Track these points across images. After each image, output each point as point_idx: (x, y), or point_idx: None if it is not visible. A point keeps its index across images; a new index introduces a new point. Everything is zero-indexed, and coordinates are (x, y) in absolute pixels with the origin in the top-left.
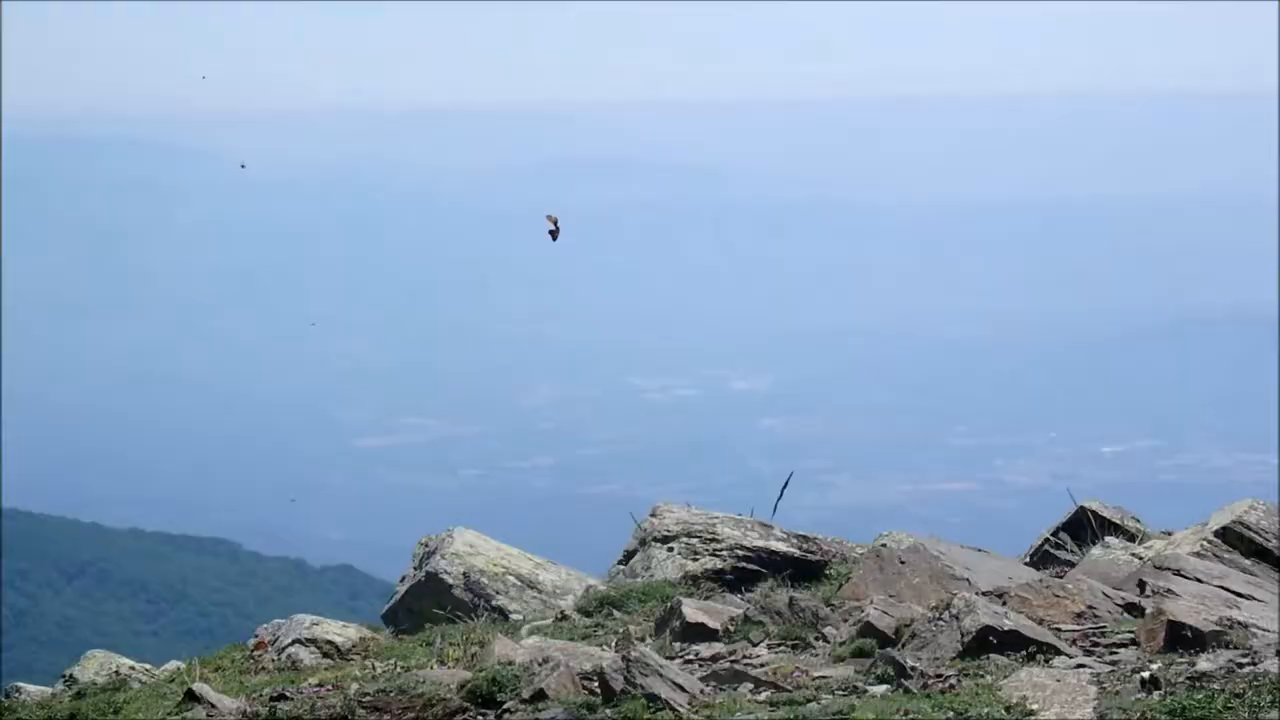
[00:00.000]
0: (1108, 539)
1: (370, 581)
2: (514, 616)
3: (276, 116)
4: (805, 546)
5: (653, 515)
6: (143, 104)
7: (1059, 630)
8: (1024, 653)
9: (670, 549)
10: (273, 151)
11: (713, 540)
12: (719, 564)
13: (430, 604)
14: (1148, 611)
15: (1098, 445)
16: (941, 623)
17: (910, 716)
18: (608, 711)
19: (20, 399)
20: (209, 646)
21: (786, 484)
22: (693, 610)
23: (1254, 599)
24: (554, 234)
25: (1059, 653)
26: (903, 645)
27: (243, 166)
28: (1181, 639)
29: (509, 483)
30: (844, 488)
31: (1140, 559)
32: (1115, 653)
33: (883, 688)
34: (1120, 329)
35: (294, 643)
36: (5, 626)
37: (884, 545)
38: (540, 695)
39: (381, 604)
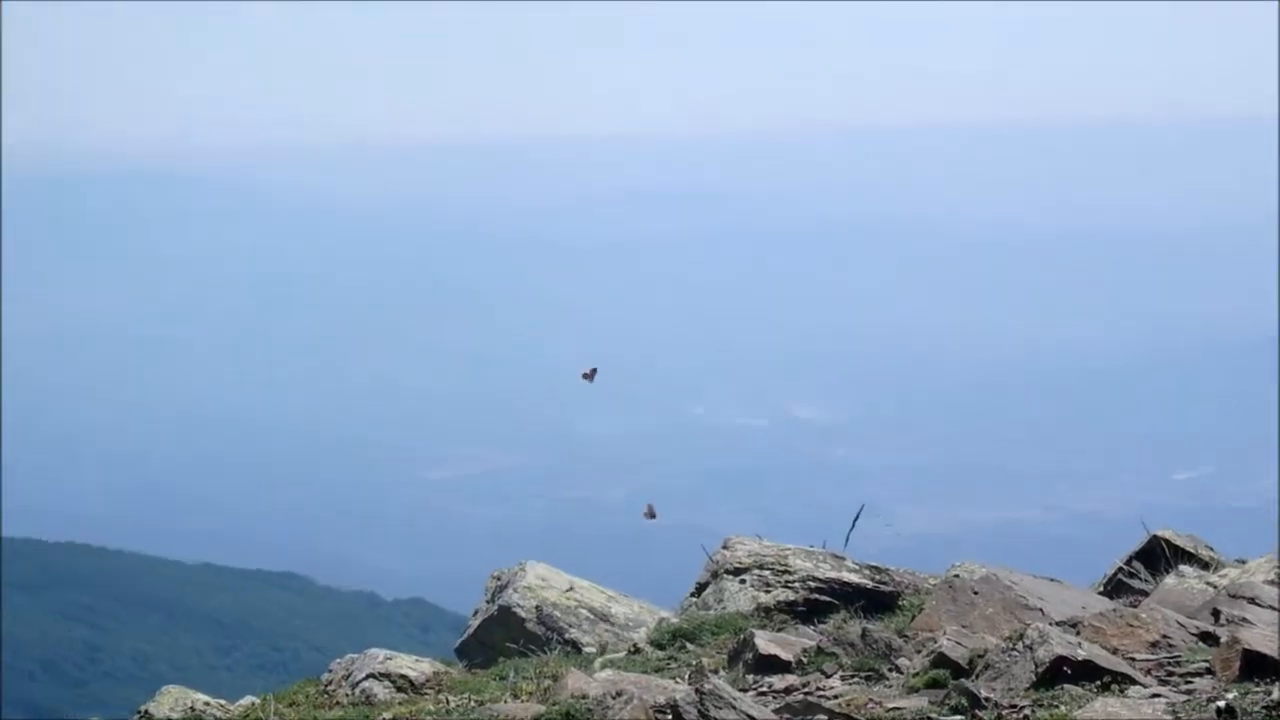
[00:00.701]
0: (1181, 567)
1: (441, 614)
2: (587, 649)
3: (326, 150)
4: (878, 578)
5: (724, 547)
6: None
7: (1133, 660)
8: (1098, 683)
9: (742, 581)
10: (325, 185)
11: (785, 572)
12: (791, 596)
13: (503, 637)
14: (1222, 640)
15: (1169, 472)
16: (1015, 653)
17: None
18: None
19: (94, 436)
20: (282, 680)
21: (858, 515)
22: (765, 642)
23: None
24: (589, 377)
25: (1133, 682)
26: (976, 676)
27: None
28: (1257, 667)
29: (577, 513)
30: (915, 517)
31: (1214, 587)
32: (1190, 682)
33: (956, 718)
34: (1192, 353)
35: (368, 677)
36: (80, 661)
37: (957, 576)
38: None
39: (453, 636)
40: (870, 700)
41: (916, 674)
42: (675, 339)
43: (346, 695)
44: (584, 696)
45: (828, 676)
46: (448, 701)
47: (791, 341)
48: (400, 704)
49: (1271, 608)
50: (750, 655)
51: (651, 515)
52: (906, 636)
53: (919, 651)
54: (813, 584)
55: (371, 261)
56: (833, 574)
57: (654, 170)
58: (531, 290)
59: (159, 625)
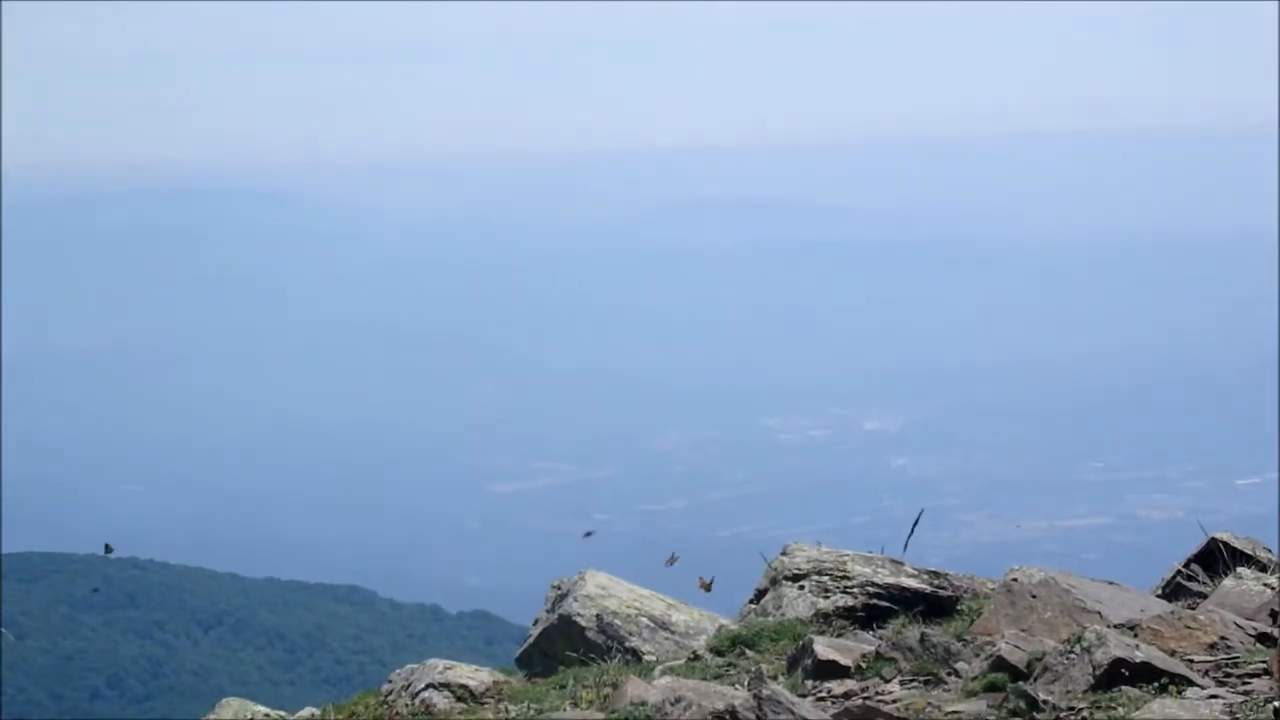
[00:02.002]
0: (1240, 570)
1: (507, 627)
2: (647, 658)
3: (397, 166)
4: (936, 582)
5: (783, 554)
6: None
7: (1191, 662)
8: (1156, 684)
9: (801, 587)
10: (396, 201)
11: (843, 578)
12: (850, 601)
13: (564, 646)
14: None
15: (1232, 478)
16: (1073, 656)
17: None
18: None
19: (156, 451)
20: (346, 695)
21: (917, 521)
22: (824, 648)
23: None
24: (671, 561)
25: (1191, 684)
26: (1035, 679)
27: None
28: None
29: (642, 526)
30: (977, 525)
31: (1272, 589)
32: (1248, 683)
33: None
34: (1253, 360)
35: (427, 687)
36: (144, 677)
37: (1015, 580)
38: None
39: (518, 649)
40: (929, 704)
41: (975, 678)
42: (742, 351)
43: (406, 706)
44: (643, 703)
45: (886, 681)
46: (507, 710)
47: (857, 352)
48: (460, 714)
49: None
50: (809, 661)
51: (708, 588)
52: (965, 641)
53: (977, 655)
54: (871, 589)
55: (437, 276)
56: (891, 579)
57: (718, 181)
58: (599, 303)
59: (222, 640)
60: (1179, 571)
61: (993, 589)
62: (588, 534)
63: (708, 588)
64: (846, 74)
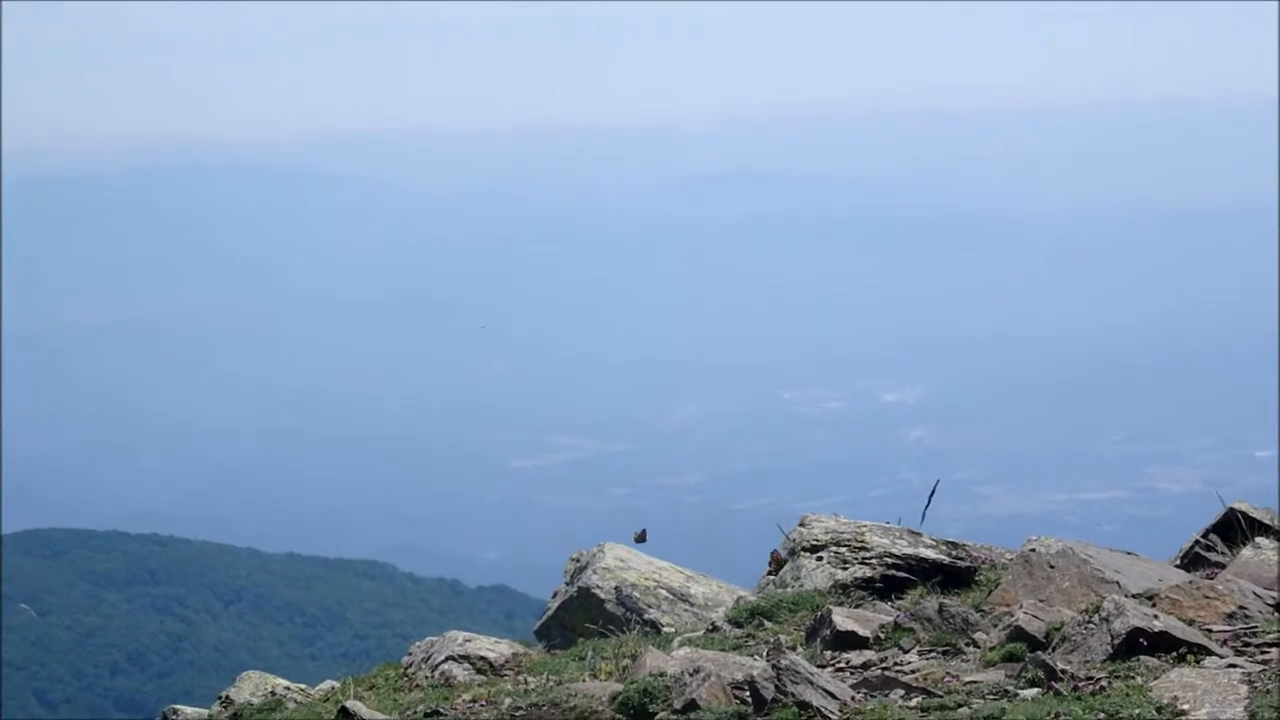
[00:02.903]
0: (1258, 540)
1: (526, 601)
2: (666, 629)
3: (410, 139)
4: (954, 553)
5: (801, 525)
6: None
7: (1209, 631)
8: (1174, 654)
9: (819, 558)
10: (412, 176)
11: (861, 549)
12: (868, 572)
13: (583, 619)
14: None
15: (1250, 450)
16: (1091, 625)
17: (1061, 719)
18: None
19: (176, 427)
20: (366, 669)
21: (934, 492)
22: (843, 619)
23: None
24: (640, 537)
25: (1209, 653)
26: (1053, 649)
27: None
28: None
29: (661, 500)
30: (996, 498)
31: None
32: (1266, 652)
33: (1033, 691)
34: (1270, 332)
35: (447, 659)
36: (165, 652)
37: (1033, 550)
38: (692, 706)
39: (537, 622)
40: (947, 674)
41: (993, 648)
42: (761, 324)
43: (426, 678)
44: (661, 674)
45: (905, 652)
46: (526, 682)
47: (875, 325)
48: (479, 686)
49: None
50: (828, 632)
51: (642, 539)
52: (983, 611)
53: (995, 626)
54: (889, 560)
55: (452, 252)
56: (909, 550)
57: (736, 155)
58: (616, 277)
59: (243, 616)
60: (1197, 541)
61: (1010, 559)
62: (641, 537)
63: (641, 538)
64: (862, 46)
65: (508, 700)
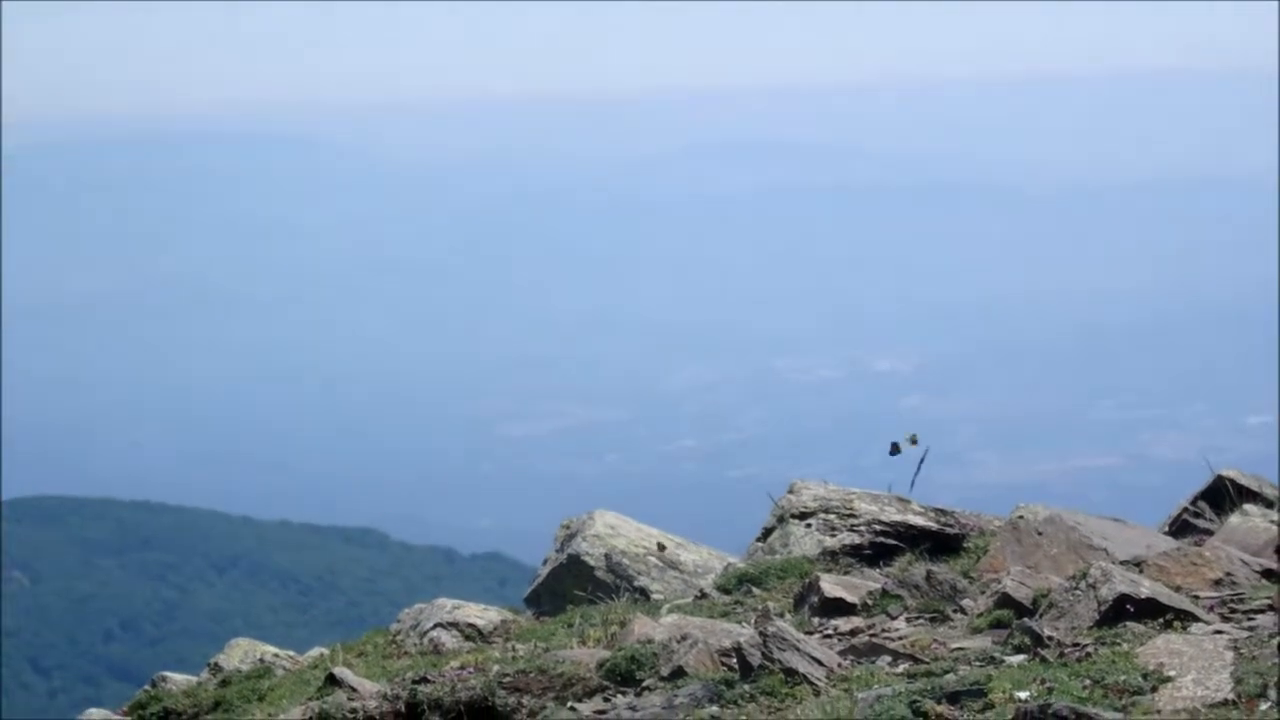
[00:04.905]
0: (1246, 506)
1: (519, 568)
2: (655, 596)
3: (407, 105)
4: (943, 520)
5: (790, 492)
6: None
7: (1196, 597)
8: (1161, 620)
9: (808, 525)
10: (405, 142)
11: (850, 516)
12: (857, 539)
13: (572, 586)
14: None
15: (1244, 417)
16: (1078, 592)
17: (1047, 685)
18: (745, 686)
19: (169, 394)
20: (357, 636)
21: (923, 459)
22: (831, 585)
23: None
24: (895, 449)
25: (1196, 619)
26: (1040, 615)
27: None
28: None
29: (654, 467)
30: (989, 465)
31: (1279, 525)
32: (1253, 619)
33: (1020, 657)
34: (1264, 299)
35: (436, 626)
36: (157, 619)
37: (1021, 517)
38: (679, 673)
39: (526, 590)
40: (935, 641)
41: (981, 615)
42: (754, 293)
43: (415, 645)
44: (649, 641)
45: (893, 619)
46: (515, 649)
47: (869, 293)
48: (468, 653)
49: None
50: (816, 598)
51: (912, 443)
52: (971, 578)
53: (983, 593)
54: (878, 527)
55: (446, 217)
56: (898, 517)
57: (730, 123)
58: (610, 244)
59: (236, 583)
60: (1185, 509)
61: (999, 526)
62: (905, 447)
63: (905, 446)
64: (855, 14)
65: (496, 667)
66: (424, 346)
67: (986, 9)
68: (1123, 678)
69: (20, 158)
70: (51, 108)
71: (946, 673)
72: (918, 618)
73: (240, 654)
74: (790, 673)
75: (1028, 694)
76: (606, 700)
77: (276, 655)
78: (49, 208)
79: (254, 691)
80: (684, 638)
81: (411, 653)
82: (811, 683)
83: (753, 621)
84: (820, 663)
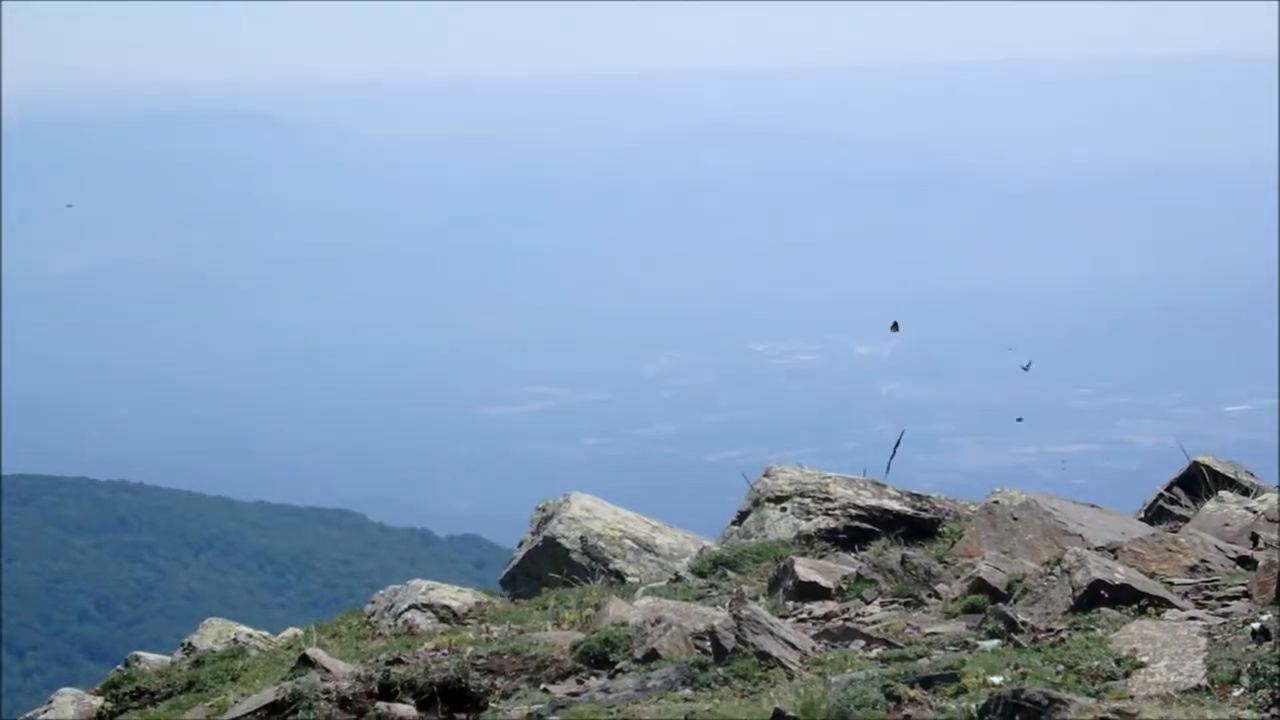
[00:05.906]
0: (1221, 493)
1: (496, 550)
2: (631, 579)
3: (389, 89)
4: (918, 505)
5: (766, 476)
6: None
7: (1171, 584)
8: (1135, 606)
9: (783, 509)
10: (389, 126)
11: (825, 500)
12: (832, 523)
13: (548, 568)
14: (1260, 564)
15: (1223, 405)
16: (1053, 578)
17: (1020, 670)
18: (719, 670)
19: (149, 375)
20: (333, 617)
21: (899, 443)
22: (806, 569)
23: None
24: (895, 327)
25: (1170, 606)
26: (1014, 601)
27: None
28: None
29: (632, 450)
30: (967, 451)
31: (1254, 512)
32: (1227, 605)
33: (994, 642)
34: (1250, 288)
35: (410, 608)
36: (133, 599)
37: (996, 503)
38: (653, 655)
39: (502, 572)
40: (909, 626)
41: (955, 600)
42: (735, 277)
43: (389, 626)
44: (624, 624)
45: (867, 603)
46: (489, 631)
47: (849, 278)
48: (442, 634)
49: None
50: (790, 582)
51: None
52: (946, 563)
53: (958, 578)
54: (853, 511)
55: (427, 202)
56: (873, 501)
57: (709, 109)
58: (590, 230)
59: (212, 563)
60: (1161, 495)
61: (974, 511)
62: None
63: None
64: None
65: (470, 649)
66: (403, 329)
67: None
68: (1096, 663)
69: (7, 136)
70: (33, 90)
71: (920, 657)
72: (892, 602)
73: (214, 634)
74: (764, 656)
75: (1001, 679)
76: (580, 683)
77: (250, 636)
78: (29, 188)
79: (227, 672)
80: (658, 621)
81: (386, 634)
82: (785, 666)
83: (727, 605)
84: (794, 646)
